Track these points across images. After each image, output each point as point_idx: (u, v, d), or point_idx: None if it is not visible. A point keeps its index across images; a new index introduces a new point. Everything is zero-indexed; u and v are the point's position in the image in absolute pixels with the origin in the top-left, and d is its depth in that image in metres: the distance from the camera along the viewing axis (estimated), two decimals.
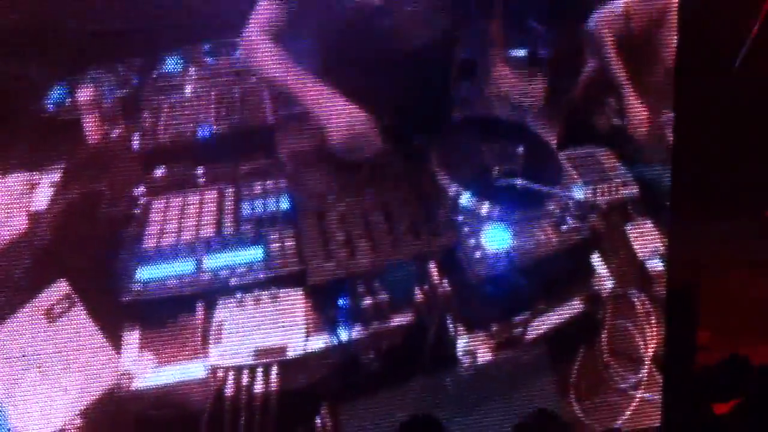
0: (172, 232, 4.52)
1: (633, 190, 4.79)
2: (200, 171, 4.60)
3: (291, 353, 4.46)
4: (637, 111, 4.75)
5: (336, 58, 4.55)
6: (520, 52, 4.83)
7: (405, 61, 4.57)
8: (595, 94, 4.80)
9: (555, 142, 4.77)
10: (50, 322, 4.39)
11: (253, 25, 4.46)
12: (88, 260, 4.43)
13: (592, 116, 4.79)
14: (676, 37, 4.70)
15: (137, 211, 4.52)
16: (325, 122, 4.48)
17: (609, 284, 4.76)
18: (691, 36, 4.67)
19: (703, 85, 4.77)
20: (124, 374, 4.42)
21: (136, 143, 4.54)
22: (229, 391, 4.43)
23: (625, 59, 4.77)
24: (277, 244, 4.51)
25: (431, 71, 4.64)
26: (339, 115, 4.46)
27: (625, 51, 4.77)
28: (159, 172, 4.57)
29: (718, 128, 4.91)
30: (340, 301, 4.50)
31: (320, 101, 4.43)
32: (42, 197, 4.47)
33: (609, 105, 4.80)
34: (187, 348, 4.46)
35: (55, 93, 4.48)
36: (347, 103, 4.47)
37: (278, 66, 4.41)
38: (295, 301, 4.48)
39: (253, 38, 4.45)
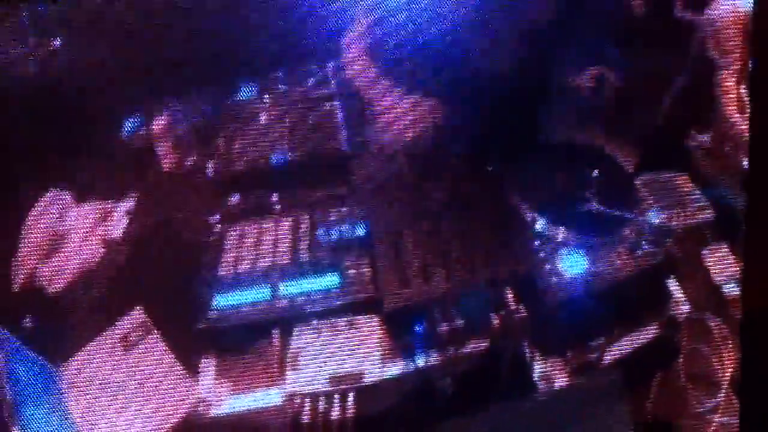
0: (248, 259, 4.53)
1: (709, 214, 4.78)
2: (275, 198, 4.61)
3: (367, 379, 4.47)
4: (736, 123, 4.73)
5: (407, 89, 4.56)
6: (593, 74, 4.82)
7: (478, 88, 4.57)
8: (681, 115, 4.78)
9: (630, 165, 4.75)
10: (126, 350, 4.40)
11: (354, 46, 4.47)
12: (163, 288, 4.43)
13: (676, 139, 4.78)
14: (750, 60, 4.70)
15: (212, 238, 4.53)
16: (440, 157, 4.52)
17: (685, 309, 4.75)
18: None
19: None
20: (200, 402, 4.44)
21: (210, 171, 4.55)
22: (305, 418, 4.45)
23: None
24: (353, 271, 4.52)
25: (504, 97, 4.63)
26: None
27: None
28: (234, 199, 4.57)
29: None
30: (416, 328, 4.51)
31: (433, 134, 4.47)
32: (117, 225, 4.48)
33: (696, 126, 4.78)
34: (264, 375, 4.47)
35: (130, 121, 4.49)
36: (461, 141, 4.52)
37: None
38: (371, 328, 4.49)
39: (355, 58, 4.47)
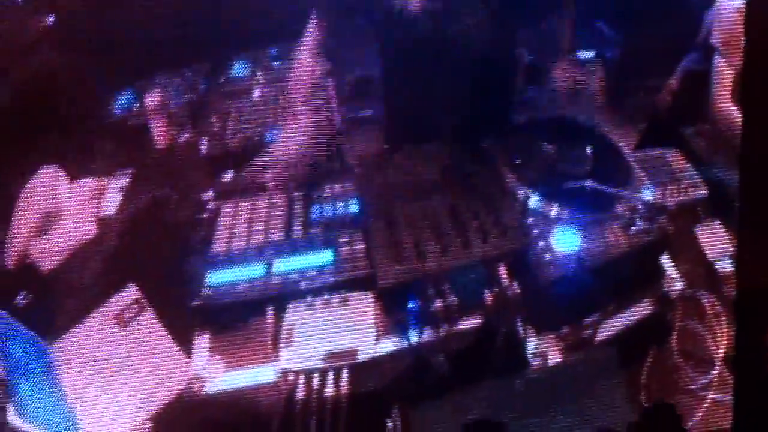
0: (242, 237, 4.53)
1: (702, 191, 4.78)
2: (269, 175, 4.60)
3: (361, 356, 4.47)
4: (730, 113, 4.74)
5: (401, 64, 4.55)
6: (587, 54, 4.83)
7: (470, 64, 4.57)
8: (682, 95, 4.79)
9: (625, 143, 4.76)
10: (121, 326, 4.40)
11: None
12: (157, 265, 4.44)
13: (675, 118, 4.78)
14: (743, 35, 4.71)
15: (206, 215, 4.53)
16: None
17: (678, 286, 4.75)
18: (760, 34, 4.66)
19: None
20: (194, 378, 4.44)
21: (204, 148, 4.55)
22: (300, 394, 4.45)
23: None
24: (347, 248, 4.52)
25: (497, 74, 4.63)
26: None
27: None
28: (227, 176, 4.58)
29: None
30: (410, 305, 4.51)
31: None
32: (111, 202, 4.48)
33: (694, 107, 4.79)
34: (258, 352, 4.47)
35: (124, 98, 4.49)
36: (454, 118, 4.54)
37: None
38: (365, 305, 4.49)
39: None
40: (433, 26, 4.50)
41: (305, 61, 4.53)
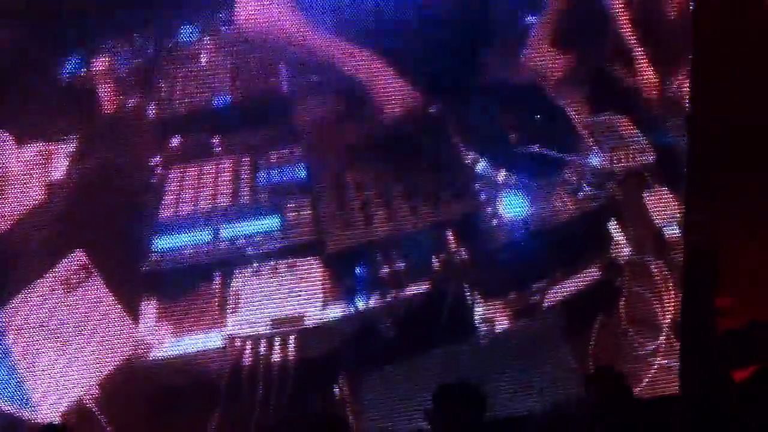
0: (189, 202, 4.51)
1: (650, 157, 4.77)
2: (216, 140, 4.58)
3: (308, 322, 4.47)
4: (648, 77, 4.73)
5: (350, 29, 4.53)
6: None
7: (422, 28, 4.55)
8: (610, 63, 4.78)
9: (573, 109, 4.74)
10: (68, 292, 4.38)
11: None
12: (104, 230, 4.42)
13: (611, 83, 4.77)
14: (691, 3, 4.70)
15: (153, 180, 4.50)
16: (382, 98, 4.49)
17: (626, 251, 4.75)
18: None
19: (720, 50, 4.75)
20: (141, 344, 4.43)
21: (152, 113, 4.52)
22: (246, 360, 4.45)
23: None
24: (294, 213, 4.51)
25: (451, 38, 4.60)
26: (395, 92, 4.50)
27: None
28: (175, 141, 4.55)
29: (736, 92, 4.87)
30: (358, 270, 4.51)
31: (376, 76, 4.44)
32: (58, 167, 4.45)
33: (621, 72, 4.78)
34: (205, 318, 4.47)
35: (70, 63, 4.46)
36: (403, 82, 4.50)
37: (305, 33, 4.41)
38: (312, 271, 4.49)
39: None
40: None
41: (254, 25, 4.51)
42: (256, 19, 4.41)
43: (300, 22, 4.41)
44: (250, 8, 4.41)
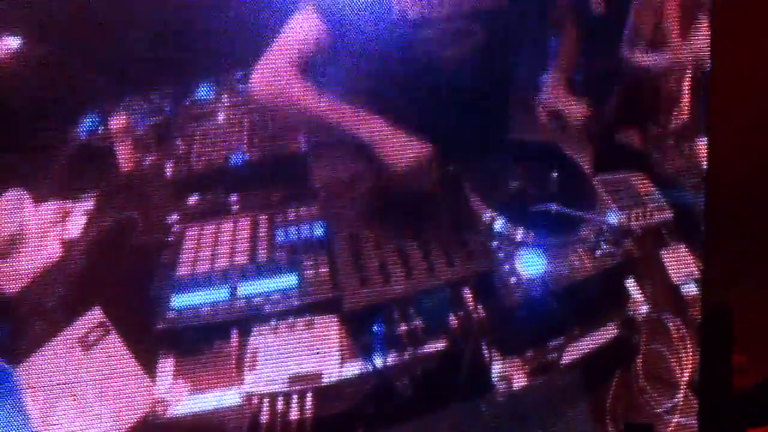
0: (206, 260, 4.52)
1: (667, 214, 4.78)
2: (234, 198, 4.60)
3: (326, 380, 4.47)
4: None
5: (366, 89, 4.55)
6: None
7: (448, 87, 4.57)
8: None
9: (589, 166, 4.76)
10: (84, 350, 4.38)
11: (277, 56, 4.46)
12: (121, 288, 4.42)
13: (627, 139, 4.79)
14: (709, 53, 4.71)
15: (171, 238, 4.51)
16: (390, 155, 4.51)
17: (644, 309, 4.76)
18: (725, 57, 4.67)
19: (737, 109, 4.77)
20: (158, 402, 4.43)
21: (169, 171, 4.54)
22: (264, 418, 4.44)
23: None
24: (312, 271, 4.51)
25: (473, 93, 4.62)
26: (403, 148, 4.50)
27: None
28: (192, 199, 4.56)
29: (753, 149, 4.90)
30: (375, 328, 4.50)
31: (382, 134, 4.45)
32: (75, 225, 4.46)
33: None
34: (222, 375, 4.46)
35: (88, 121, 4.48)
36: (410, 136, 4.51)
37: (313, 98, 4.43)
38: (329, 328, 4.49)
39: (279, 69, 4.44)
40: (404, 52, 4.50)
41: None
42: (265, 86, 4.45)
43: (308, 88, 4.45)
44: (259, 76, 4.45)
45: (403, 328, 4.48)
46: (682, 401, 4.76)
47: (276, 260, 4.53)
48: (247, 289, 4.48)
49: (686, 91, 4.77)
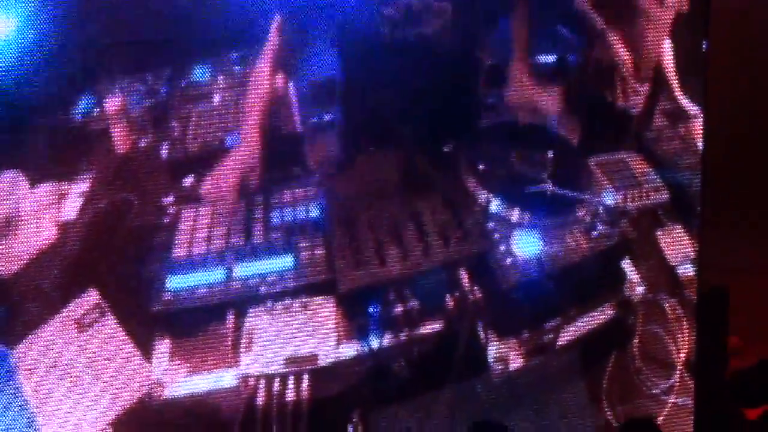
0: (202, 241, 4.51)
1: (663, 195, 4.78)
2: (229, 180, 4.58)
3: (322, 361, 4.47)
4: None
5: (361, 71, 4.54)
6: (549, 59, 4.80)
7: (431, 69, 4.56)
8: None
9: (584, 146, 4.75)
10: (81, 331, 4.38)
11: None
12: (117, 270, 4.42)
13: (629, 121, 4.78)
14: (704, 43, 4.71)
15: (166, 220, 4.50)
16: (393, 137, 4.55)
17: (640, 290, 4.76)
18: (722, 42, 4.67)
19: (733, 90, 4.77)
20: (154, 383, 4.43)
21: (164, 152, 4.53)
22: (260, 399, 4.45)
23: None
24: (307, 253, 4.51)
25: (457, 79, 4.62)
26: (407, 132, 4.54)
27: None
28: (188, 181, 4.56)
29: (749, 132, 4.90)
30: (371, 309, 4.51)
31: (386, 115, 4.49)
32: (71, 207, 4.45)
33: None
34: (218, 357, 4.46)
35: (83, 103, 4.47)
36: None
37: None
38: (325, 310, 4.49)
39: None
40: (392, 31, 4.49)
41: (266, 65, 4.52)
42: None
43: None
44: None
45: (399, 309, 4.48)
46: (679, 382, 4.77)
47: (272, 242, 4.53)
48: (243, 270, 4.48)
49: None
